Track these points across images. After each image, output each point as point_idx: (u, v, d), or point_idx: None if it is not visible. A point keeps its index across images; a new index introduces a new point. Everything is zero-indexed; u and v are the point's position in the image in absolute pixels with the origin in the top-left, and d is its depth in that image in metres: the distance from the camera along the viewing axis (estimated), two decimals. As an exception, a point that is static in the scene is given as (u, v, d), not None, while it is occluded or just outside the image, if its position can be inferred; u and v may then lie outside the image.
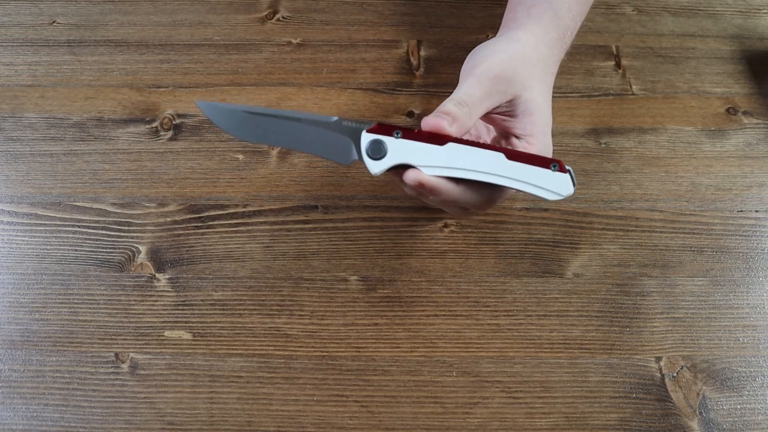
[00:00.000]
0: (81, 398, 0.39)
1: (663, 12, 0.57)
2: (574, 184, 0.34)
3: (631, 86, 0.52)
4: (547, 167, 0.34)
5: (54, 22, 0.54)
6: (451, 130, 0.34)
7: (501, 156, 0.34)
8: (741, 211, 0.46)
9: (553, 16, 0.41)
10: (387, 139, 0.35)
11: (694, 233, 0.45)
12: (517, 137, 0.38)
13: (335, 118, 0.36)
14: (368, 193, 0.46)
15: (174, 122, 0.49)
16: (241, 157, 0.47)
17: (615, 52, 0.54)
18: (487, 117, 0.38)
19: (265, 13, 0.56)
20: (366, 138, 0.35)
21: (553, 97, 0.51)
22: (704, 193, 0.47)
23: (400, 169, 0.35)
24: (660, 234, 0.45)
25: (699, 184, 0.47)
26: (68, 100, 0.50)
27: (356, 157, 0.36)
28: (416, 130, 0.35)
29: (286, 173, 0.47)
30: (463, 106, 0.35)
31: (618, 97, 0.51)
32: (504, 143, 0.39)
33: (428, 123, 0.34)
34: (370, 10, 0.56)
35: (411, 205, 0.46)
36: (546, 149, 0.37)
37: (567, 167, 0.34)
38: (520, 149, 0.36)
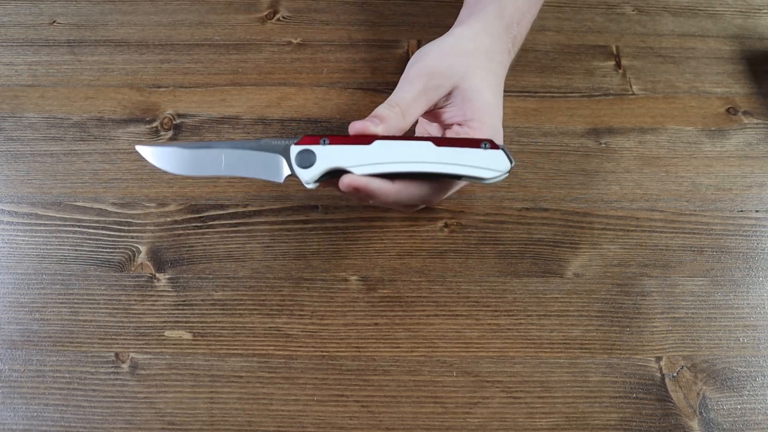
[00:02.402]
0: (81, 398, 0.39)
1: (663, 12, 0.57)
2: (510, 160, 0.34)
3: (631, 86, 0.52)
4: (478, 147, 0.34)
5: (54, 22, 0.54)
6: (377, 129, 0.35)
7: (429, 144, 0.34)
8: (741, 211, 0.46)
9: (496, 8, 0.41)
10: (315, 148, 0.35)
11: (694, 233, 0.45)
12: (459, 125, 0.38)
13: (264, 139, 0.37)
14: (368, 193, 0.46)
15: (174, 122, 0.49)
16: (241, 157, 0.47)
17: (615, 52, 0.54)
18: (432, 115, 0.39)
19: (265, 13, 0.56)
20: (294, 150, 0.36)
21: (553, 97, 0.52)
22: (704, 193, 0.47)
23: (335, 177, 0.35)
24: (660, 234, 0.45)
25: (699, 184, 0.47)
26: (68, 100, 0.50)
27: (289, 172, 0.36)
28: (344, 136, 0.35)
29: (286, 173, 0.47)
30: (393, 106, 0.36)
31: (618, 97, 0.51)
32: (449, 135, 0.39)
33: (355, 127, 0.35)
34: (370, 10, 0.56)
35: (411, 205, 0.45)
36: (492, 130, 0.37)
37: (500, 144, 0.34)
38: (462, 135, 0.36)
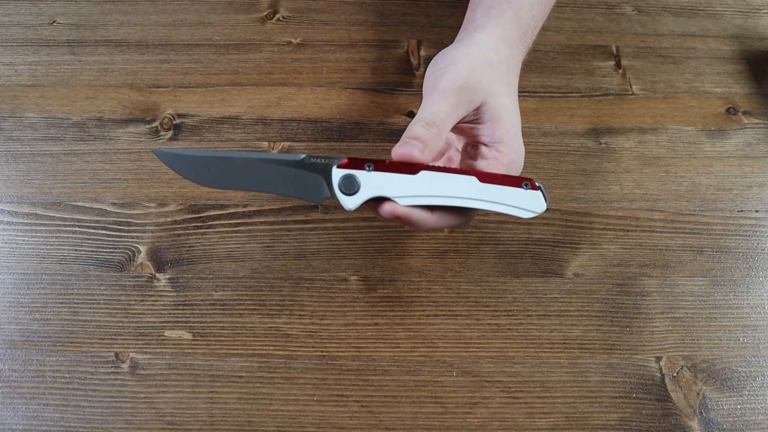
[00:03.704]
0: (81, 398, 0.39)
1: (663, 12, 0.57)
2: (546, 200, 0.34)
3: (631, 86, 0.52)
4: (519, 186, 0.34)
5: (54, 22, 0.54)
6: (423, 156, 0.34)
7: (474, 179, 0.34)
8: (741, 211, 0.46)
9: (514, 15, 0.40)
10: (359, 173, 0.35)
11: (694, 233, 0.45)
12: (486, 145, 0.37)
13: (303, 155, 0.36)
14: (368, 193, 0.46)
15: (174, 122, 0.49)
16: (241, 157, 0.47)
17: (615, 52, 0.54)
18: (456, 127, 0.38)
19: (265, 13, 0.56)
20: (337, 174, 0.35)
21: (552, 97, 0.52)
22: (704, 193, 0.47)
23: (375, 201, 0.35)
24: (660, 234, 0.45)
25: (699, 184, 0.47)
26: (68, 100, 0.50)
27: (329, 194, 0.35)
28: (387, 161, 0.35)
29: (286, 173, 0.47)
30: (431, 126, 0.35)
31: (618, 97, 0.51)
32: (473, 152, 0.38)
33: (398, 153, 0.34)
34: (370, 10, 0.56)
35: (411, 205, 0.45)
36: (517, 154, 0.37)
37: (537, 184, 0.34)
38: (490, 158, 0.36)
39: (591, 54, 0.54)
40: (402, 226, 0.37)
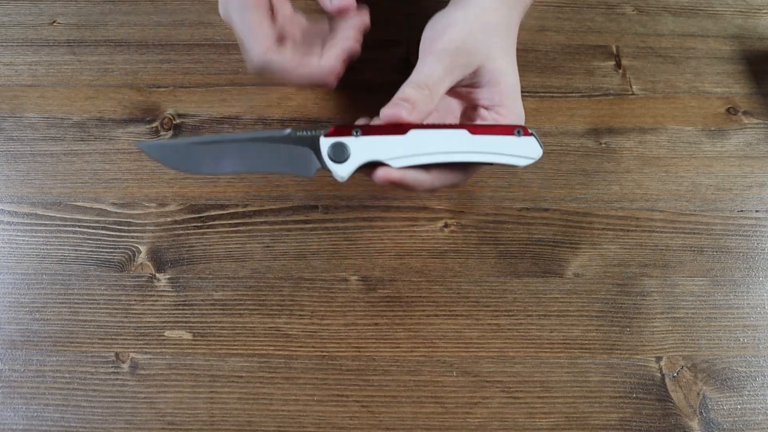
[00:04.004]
0: (81, 398, 0.39)
1: (663, 12, 0.57)
2: (541, 146, 0.34)
3: (631, 86, 0.52)
4: (512, 134, 0.34)
5: (54, 22, 0.54)
6: (411, 117, 0.33)
7: (464, 132, 0.34)
8: (741, 211, 0.46)
9: None
10: (347, 140, 0.34)
11: (694, 233, 0.45)
12: (485, 108, 0.37)
13: (289, 130, 0.35)
14: (368, 193, 0.46)
15: (174, 122, 0.49)
16: (241, 157, 0.47)
17: (615, 52, 0.54)
18: (453, 91, 0.37)
19: (265, 13, 0.56)
20: (325, 143, 0.34)
21: (552, 97, 0.52)
22: (704, 193, 0.47)
23: (368, 167, 0.34)
24: (660, 234, 0.45)
25: (699, 184, 0.47)
26: (68, 100, 0.50)
27: (319, 165, 0.35)
28: (375, 125, 0.34)
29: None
30: (422, 88, 0.34)
31: (618, 97, 0.51)
32: (472, 115, 0.38)
33: (386, 114, 0.33)
34: (370, 10, 0.56)
35: (411, 205, 0.46)
36: (518, 117, 0.36)
37: (530, 130, 0.34)
38: (490, 120, 0.36)
39: (591, 54, 0.54)
40: (400, 191, 0.37)
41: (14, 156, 0.47)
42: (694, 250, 0.44)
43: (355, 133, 0.34)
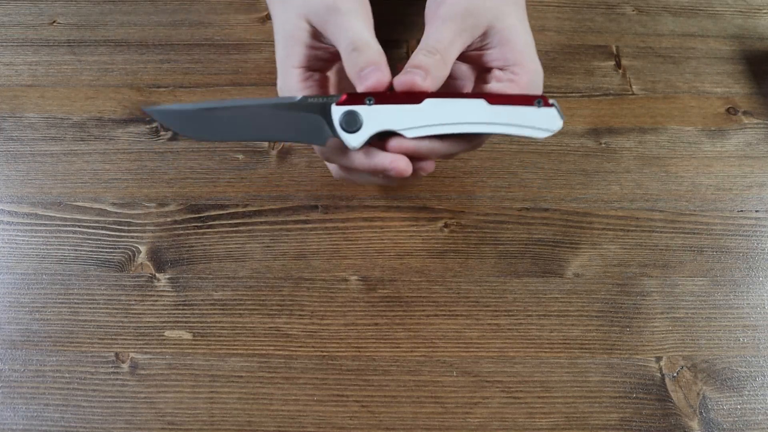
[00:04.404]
0: (81, 398, 0.39)
1: (663, 12, 0.57)
2: (561, 117, 0.32)
3: (631, 86, 0.52)
4: (532, 104, 0.32)
5: (54, 22, 0.54)
6: (426, 84, 0.32)
7: (482, 102, 0.32)
8: (741, 211, 0.46)
9: None
10: (360, 109, 0.32)
11: (694, 233, 0.45)
12: (500, 69, 0.35)
13: (299, 96, 0.34)
14: (368, 193, 0.46)
15: (174, 122, 0.49)
16: (241, 156, 0.47)
17: (615, 52, 0.54)
18: (464, 56, 0.36)
19: (265, 13, 0.56)
20: (337, 111, 0.33)
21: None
22: (704, 193, 0.47)
23: (381, 138, 0.33)
24: (660, 234, 0.45)
25: (699, 184, 0.47)
26: (68, 100, 0.50)
27: (330, 134, 0.33)
28: (389, 93, 0.33)
29: (286, 173, 0.47)
30: (433, 53, 0.33)
31: (618, 97, 0.51)
32: (487, 78, 0.36)
33: (400, 82, 0.32)
34: (370, 10, 0.56)
35: (411, 205, 0.46)
36: (536, 74, 0.35)
37: (551, 101, 0.32)
38: (505, 80, 0.34)
39: (591, 54, 0.54)
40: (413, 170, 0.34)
41: (14, 156, 0.47)
42: (694, 250, 0.44)
43: (368, 102, 0.33)
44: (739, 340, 0.41)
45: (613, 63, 0.53)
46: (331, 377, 0.39)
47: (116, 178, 0.46)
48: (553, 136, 0.35)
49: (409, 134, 0.33)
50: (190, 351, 0.40)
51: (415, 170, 0.34)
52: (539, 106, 0.32)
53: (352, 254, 0.44)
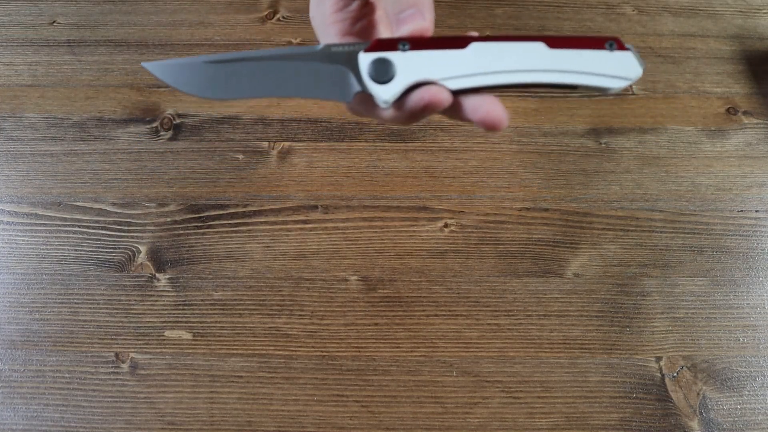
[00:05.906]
0: (81, 398, 0.39)
1: (663, 12, 0.57)
2: (641, 64, 0.27)
3: (631, 86, 0.52)
4: (602, 48, 0.27)
5: (54, 22, 0.54)
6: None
7: (540, 45, 0.27)
8: (741, 211, 0.46)
9: None
10: (393, 56, 0.27)
11: (694, 233, 0.45)
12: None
13: (321, 45, 0.29)
14: (368, 193, 0.46)
15: (174, 122, 0.49)
16: (241, 156, 0.47)
17: (615, 52, 0.54)
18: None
19: (265, 13, 0.56)
20: (365, 59, 0.27)
21: (553, 97, 0.52)
22: (704, 193, 0.47)
23: (416, 89, 0.27)
24: (660, 234, 0.45)
25: (699, 184, 0.47)
26: (68, 100, 0.50)
27: (358, 88, 0.28)
28: (426, 38, 0.28)
29: (286, 173, 0.47)
30: None
31: (618, 97, 0.51)
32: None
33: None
34: (370, 10, 0.56)
35: (411, 205, 0.46)
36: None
37: (628, 46, 0.27)
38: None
39: (591, 54, 0.54)
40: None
41: (14, 156, 0.47)
42: (694, 250, 0.44)
43: (402, 47, 0.27)
44: (739, 340, 0.41)
45: (613, 63, 0.53)
46: (331, 377, 0.39)
47: (116, 178, 0.46)
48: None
49: (451, 85, 0.27)
50: (190, 351, 0.40)
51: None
52: (612, 49, 0.27)
53: (352, 254, 0.44)
